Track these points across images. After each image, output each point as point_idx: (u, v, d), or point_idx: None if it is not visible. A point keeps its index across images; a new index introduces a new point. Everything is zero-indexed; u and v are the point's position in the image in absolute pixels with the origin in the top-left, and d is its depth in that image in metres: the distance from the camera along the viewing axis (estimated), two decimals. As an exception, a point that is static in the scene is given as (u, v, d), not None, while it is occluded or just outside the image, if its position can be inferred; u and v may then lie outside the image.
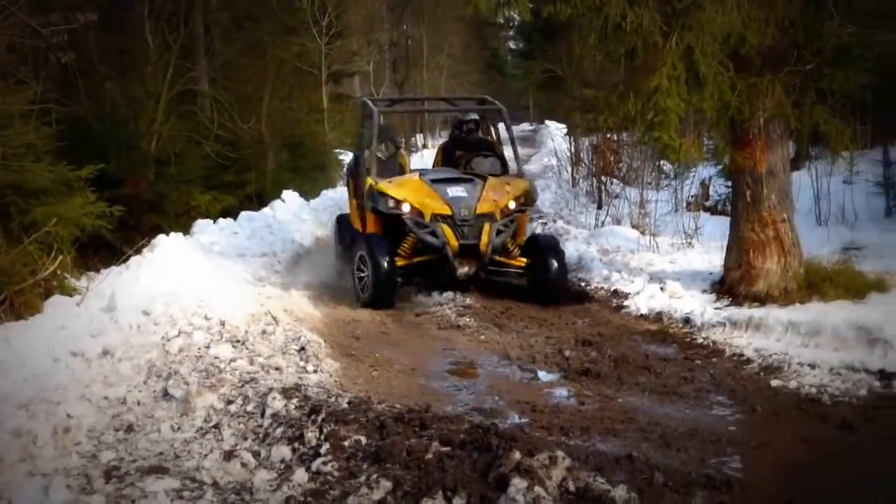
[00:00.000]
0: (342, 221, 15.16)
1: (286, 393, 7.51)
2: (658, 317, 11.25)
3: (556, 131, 30.72)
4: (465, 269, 12.38)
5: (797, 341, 9.51)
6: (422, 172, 13.78)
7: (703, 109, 10.33)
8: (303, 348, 9.05)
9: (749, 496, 5.69)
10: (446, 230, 12.29)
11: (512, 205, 12.75)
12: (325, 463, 6.34)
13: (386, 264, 12.04)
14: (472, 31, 50.30)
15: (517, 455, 5.85)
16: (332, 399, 7.53)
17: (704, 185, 18.40)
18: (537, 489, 5.46)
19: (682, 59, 9.88)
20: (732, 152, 10.98)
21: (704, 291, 11.62)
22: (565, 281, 12.79)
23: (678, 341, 10.31)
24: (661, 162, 19.69)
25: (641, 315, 11.53)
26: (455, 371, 9.44)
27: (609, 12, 9.85)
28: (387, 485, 5.85)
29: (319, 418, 6.94)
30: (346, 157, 27.03)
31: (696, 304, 11.16)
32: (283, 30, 24.66)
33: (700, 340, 10.25)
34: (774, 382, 8.60)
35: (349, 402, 7.45)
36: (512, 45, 55.53)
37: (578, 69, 22.48)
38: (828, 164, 15.48)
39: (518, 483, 5.50)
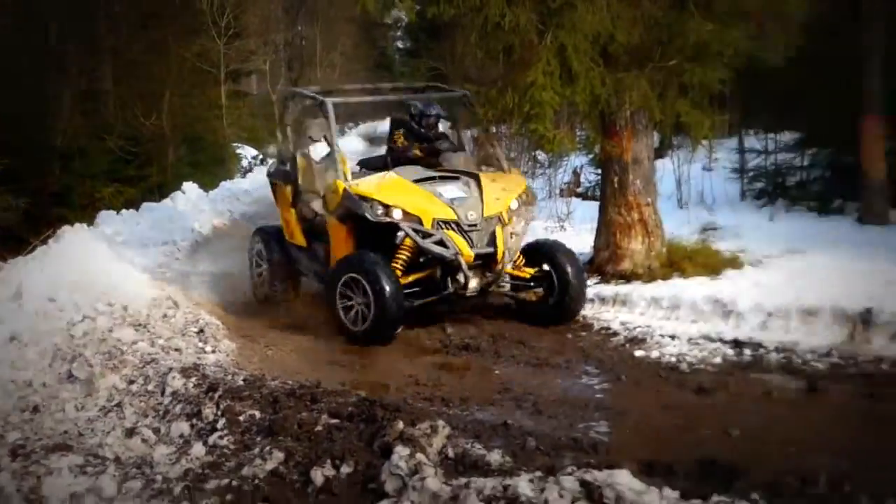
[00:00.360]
0: (269, 237, 11.63)
1: (185, 372, 7.47)
2: (533, 295, 11.33)
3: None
4: (477, 282, 9.76)
5: (659, 315, 9.76)
6: (396, 171, 10.37)
7: (576, 102, 10.42)
8: (202, 330, 8.97)
9: (613, 458, 5.77)
10: (455, 238, 9.59)
11: (514, 204, 10.08)
12: (221, 437, 6.35)
13: (393, 287, 9.30)
14: (363, 31, 49.96)
15: (400, 425, 5.90)
16: (229, 377, 7.52)
17: (576, 173, 18.52)
18: (419, 456, 5.49)
19: (556, 56, 9.95)
20: (602, 142, 11.09)
21: (576, 271, 11.73)
22: (585, 290, 10.39)
23: (551, 317, 10.41)
24: (537, 152, 19.78)
25: (518, 293, 11.61)
26: (345, 349, 9.43)
27: (489, 12, 9.88)
28: (279, 455, 5.86)
29: (216, 395, 6.93)
30: (244, 150, 26.86)
31: (568, 283, 11.26)
32: (184, 30, 24.38)
33: (571, 315, 10.37)
34: (638, 353, 8.81)
35: (245, 380, 7.44)
36: (400, 44, 55.04)
37: (461, 66, 22.46)
38: (689, 152, 15.74)
39: (401, 451, 5.53)
